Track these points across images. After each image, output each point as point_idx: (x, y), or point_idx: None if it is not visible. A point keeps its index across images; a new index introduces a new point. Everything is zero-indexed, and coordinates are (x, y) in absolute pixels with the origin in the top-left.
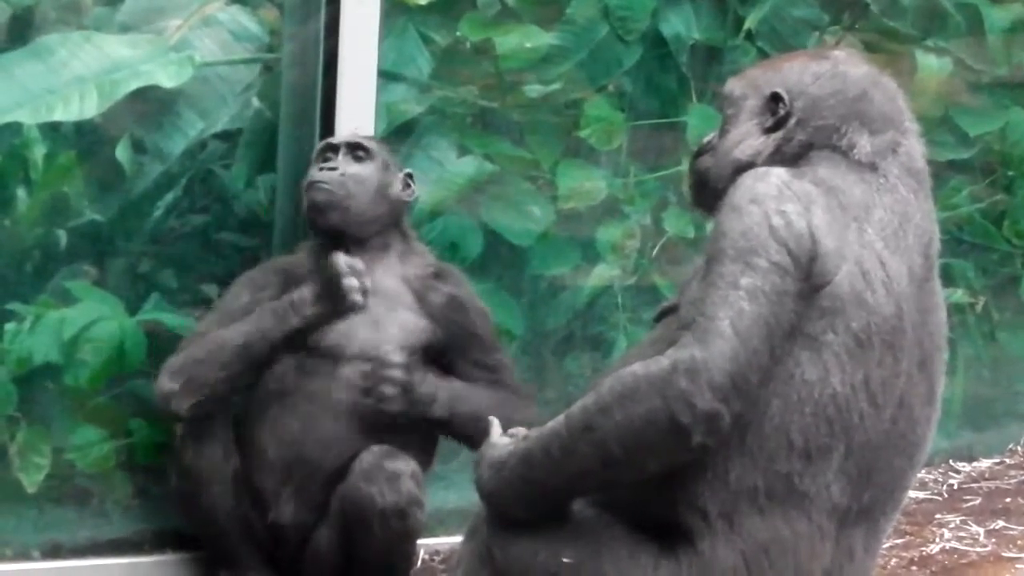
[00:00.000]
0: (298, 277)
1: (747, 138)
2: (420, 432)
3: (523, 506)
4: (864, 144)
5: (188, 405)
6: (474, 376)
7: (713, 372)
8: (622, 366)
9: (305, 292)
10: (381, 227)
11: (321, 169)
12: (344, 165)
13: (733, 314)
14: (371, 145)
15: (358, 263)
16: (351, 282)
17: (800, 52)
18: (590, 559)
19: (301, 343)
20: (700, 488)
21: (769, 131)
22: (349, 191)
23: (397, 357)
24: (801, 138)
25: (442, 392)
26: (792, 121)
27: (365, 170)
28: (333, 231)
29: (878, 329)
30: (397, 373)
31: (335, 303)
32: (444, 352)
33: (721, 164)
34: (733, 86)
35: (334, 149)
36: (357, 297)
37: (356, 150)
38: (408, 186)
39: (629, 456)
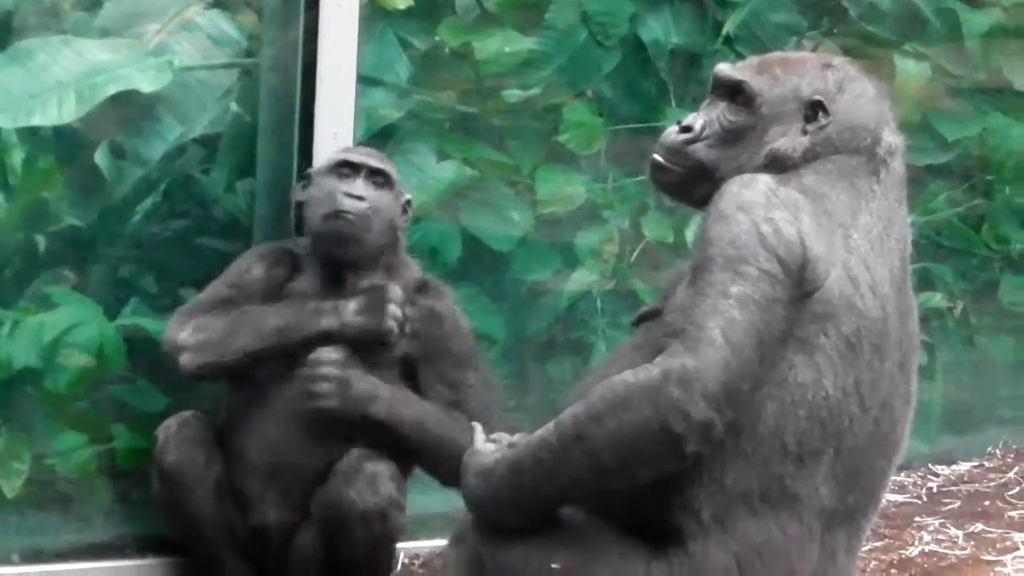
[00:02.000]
0: (303, 263)
1: (789, 134)
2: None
3: (513, 513)
4: (889, 140)
5: (200, 364)
6: (435, 390)
7: (706, 381)
8: (604, 370)
9: (351, 304)
10: (379, 251)
11: (347, 195)
12: (367, 192)
13: (724, 323)
14: (391, 172)
15: (406, 306)
16: (396, 312)
17: (804, 57)
18: (581, 564)
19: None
20: (695, 491)
21: (806, 133)
22: (370, 224)
23: (333, 355)
24: (834, 143)
25: (383, 392)
26: (830, 126)
27: (383, 200)
28: (341, 262)
29: (867, 332)
30: (330, 369)
31: (377, 323)
32: (415, 365)
33: (740, 156)
34: (761, 84)
35: (354, 168)
36: (394, 327)
37: (377, 176)
38: (406, 211)
39: (621, 464)
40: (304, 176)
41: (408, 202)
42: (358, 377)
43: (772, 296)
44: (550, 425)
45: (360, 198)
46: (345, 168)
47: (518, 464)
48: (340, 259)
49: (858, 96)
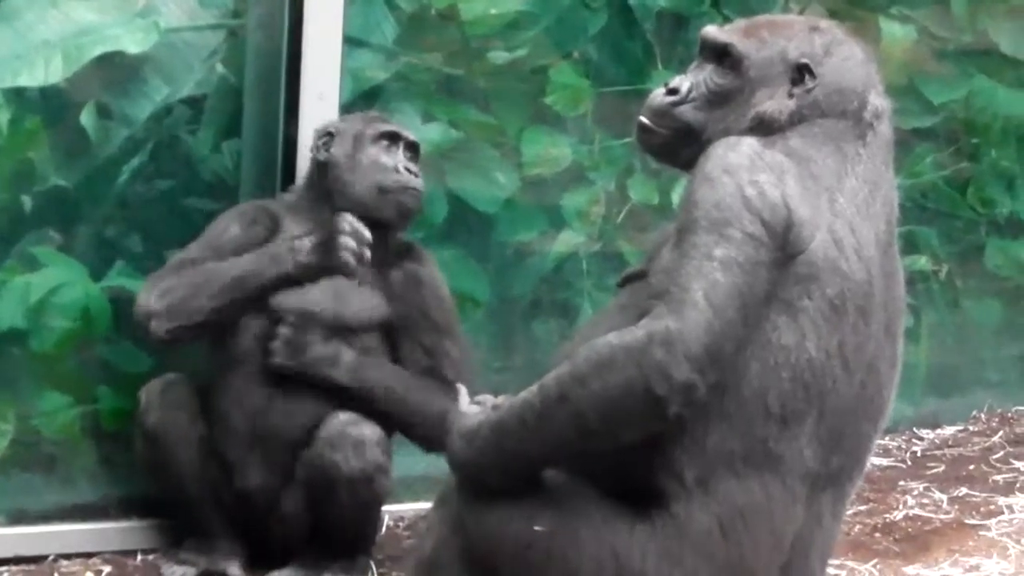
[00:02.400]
0: (283, 222)
1: (776, 96)
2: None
3: (496, 475)
4: (875, 103)
5: (168, 328)
6: (413, 356)
7: (689, 343)
8: (589, 331)
9: (305, 241)
10: None
11: (407, 171)
12: (415, 168)
13: (707, 285)
14: (420, 147)
15: (366, 233)
16: (349, 242)
17: (791, 19)
18: (564, 526)
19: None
20: (677, 453)
21: (792, 96)
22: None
23: (289, 316)
24: (821, 106)
25: (346, 356)
26: (817, 89)
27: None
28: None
29: (852, 295)
30: (284, 329)
31: (330, 258)
32: (396, 330)
33: (733, 119)
34: (748, 47)
35: (395, 139)
36: (350, 259)
37: (412, 149)
38: None
39: (605, 425)
40: (327, 134)
41: None
42: (317, 340)
43: (756, 259)
44: (534, 387)
45: (417, 174)
46: (386, 139)
47: (502, 425)
48: (392, 227)
49: (845, 59)
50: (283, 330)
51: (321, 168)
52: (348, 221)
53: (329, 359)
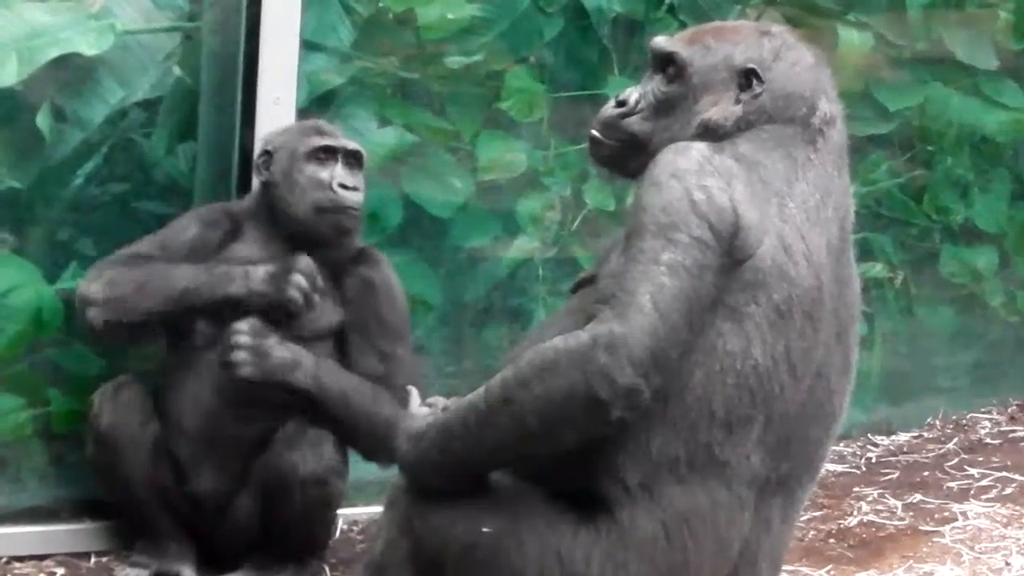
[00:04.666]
0: (244, 226)
1: (721, 103)
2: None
3: (441, 477)
4: (824, 109)
5: (106, 320)
6: (363, 359)
7: (632, 347)
8: (539, 336)
9: (260, 270)
10: None
11: (342, 187)
12: (354, 179)
13: (653, 289)
14: (362, 151)
15: (318, 279)
16: (301, 282)
17: (740, 25)
18: (509, 529)
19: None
20: (621, 458)
21: (739, 102)
22: (361, 211)
23: (243, 325)
24: (768, 111)
25: (307, 360)
26: (764, 95)
27: (361, 183)
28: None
29: (799, 301)
30: (243, 338)
31: (280, 292)
32: (347, 333)
33: (678, 128)
34: (691, 53)
35: (330, 153)
36: (299, 298)
37: (354, 158)
38: None
39: (547, 429)
40: (265, 153)
41: None
42: (276, 345)
43: (703, 263)
44: (480, 390)
45: (355, 188)
46: (322, 153)
47: (447, 428)
48: (332, 245)
49: (794, 64)
50: (243, 339)
51: (264, 187)
52: (306, 263)
53: (291, 363)
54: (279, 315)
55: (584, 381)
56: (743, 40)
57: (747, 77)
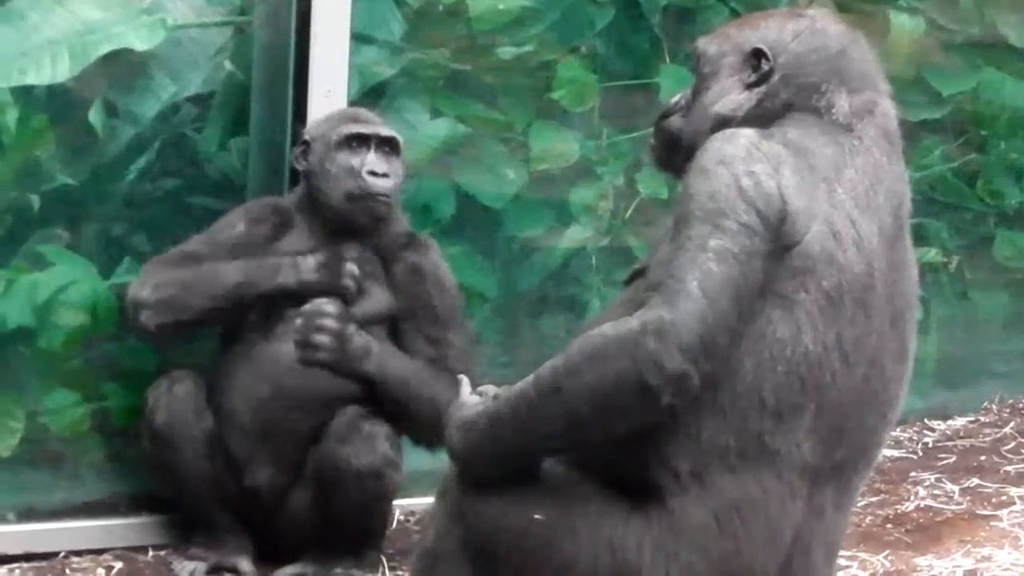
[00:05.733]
0: (293, 219)
1: (728, 93)
2: None
3: (492, 466)
4: (843, 104)
5: (157, 323)
6: (417, 347)
7: (681, 333)
8: (593, 328)
9: (309, 260)
10: None
11: (371, 174)
12: (386, 166)
13: (701, 275)
14: (398, 138)
15: (367, 264)
16: (353, 269)
17: (773, 11)
18: (561, 516)
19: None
20: (671, 447)
21: (751, 87)
22: (394, 198)
23: (331, 307)
24: (783, 96)
25: (375, 347)
26: (775, 77)
27: (397, 168)
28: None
29: (849, 287)
30: (330, 322)
31: (332, 280)
32: (399, 320)
33: (698, 121)
34: (707, 44)
35: (365, 140)
36: (351, 285)
37: (387, 144)
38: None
39: (597, 417)
40: (302, 143)
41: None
42: (355, 332)
43: (751, 249)
44: (530, 377)
45: (386, 175)
46: (354, 141)
47: (498, 416)
48: (369, 232)
49: (817, 48)
50: (329, 323)
51: (304, 177)
52: (355, 249)
53: (364, 351)
54: (333, 296)
55: (633, 367)
56: (766, 25)
57: (756, 58)
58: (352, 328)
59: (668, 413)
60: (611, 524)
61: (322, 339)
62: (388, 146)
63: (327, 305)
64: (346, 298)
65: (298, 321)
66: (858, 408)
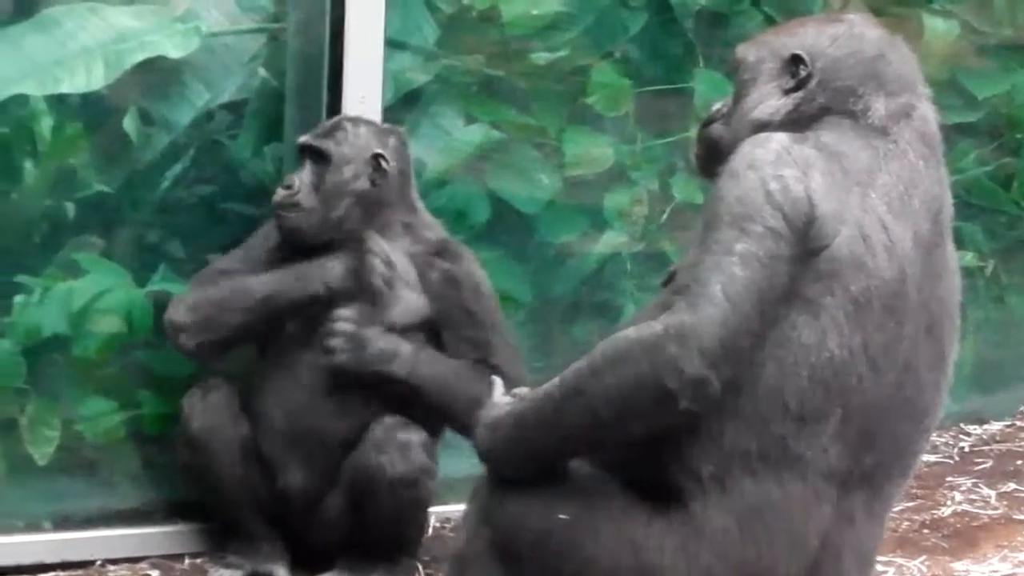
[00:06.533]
0: None
1: (767, 99)
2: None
3: (517, 465)
4: (879, 108)
5: (196, 343)
6: (460, 351)
7: (703, 338)
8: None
9: (337, 265)
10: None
11: (285, 187)
12: (305, 176)
13: (725, 279)
14: (323, 147)
15: (392, 257)
16: (381, 267)
17: (812, 17)
18: (584, 516)
19: (315, 312)
20: (693, 450)
21: (789, 92)
22: (305, 208)
23: (346, 312)
24: (820, 100)
25: (403, 349)
26: (813, 82)
27: (323, 177)
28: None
29: (878, 293)
30: (344, 325)
31: (362, 283)
32: (439, 328)
33: (738, 128)
34: (746, 52)
35: (301, 151)
36: (381, 284)
37: (312, 154)
38: (379, 167)
39: (618, 419)
40: None
41: (377, 156)
42: (376, 335)
43: (775, 253)
44: (556, 379)
45: (289, 186)
46: (298, 152)
47: (523, 417)
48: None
49: (855, 51)
50: (343, 326)
51: None
52: (378, 244)
53: (389, 354)
54: (367, 300)
55: (653, 371)
56: (804, 31)
57: (795, 64)
58: (374, 332)
59: (687, 417)
60: (633, 525)
61: (337, 342)
62: (311, 155)
63: (343, 311)
64: (377, 298)
65: (323, 329)
66: (890, 414)
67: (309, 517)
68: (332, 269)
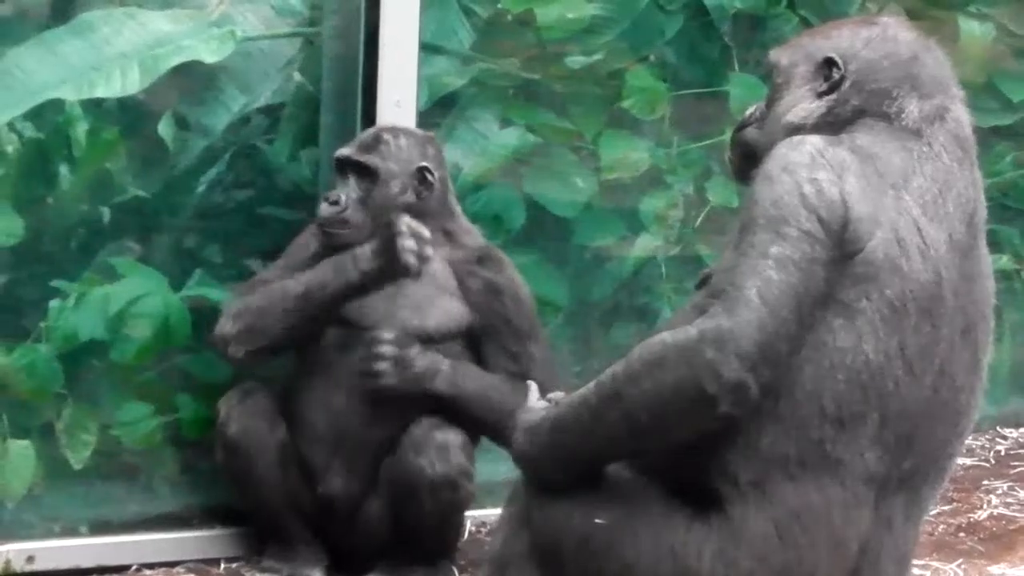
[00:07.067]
0: None
1: (800, 103)
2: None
3: (555, 470)
4: (913, 110)
5: (245, 352)
6: (499, 362)
7: (740, 341)
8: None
9: (366, 248)
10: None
11: (325, 200)
12: (350, 191)
13: (761, 283)
14: (370, 162)
15: (424, 230)
16: (409, 243)
17: (846, 20)
18: (623, 521)
19: (348, 314)
20: (731, 455)
21: (822, 95)
22: (352, 224)
23: (388, 334)
24: (854, 103)
25: (445, 367)
26: (846, 85)
27: (370, 191)
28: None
29: (914, 296)
30: (386, 348)
31: (391, 262)
32: (479, 338)
33: (772, 131)
34: (780, 55)
35: (341, 165)
36: (412, 260)
37: (356, 168)
38: (425, 180)
39: (656, 424)
40: None
41: (423, 169)
42: (418, 354)
43: (811, 256)
44: (592, 384)
45: (335, 203)
46: (338, 165)
47: (560, 422)
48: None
49: (888, 54)
50: (386, 349)
51: None
52: (405, 222)
53: (431, 372)
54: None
55: (691, 376)
56: (838, 34)
57: (828, 67)
58: (415, 351)
59: (726, 422)
60: (672, 529)
61: (383, 365)
62: (352, 168)
63: (384, 333)
64: (410, 276)
65: (362, 351)
66: (927, 418)
67: (347, 519)
68: (362, 255)
